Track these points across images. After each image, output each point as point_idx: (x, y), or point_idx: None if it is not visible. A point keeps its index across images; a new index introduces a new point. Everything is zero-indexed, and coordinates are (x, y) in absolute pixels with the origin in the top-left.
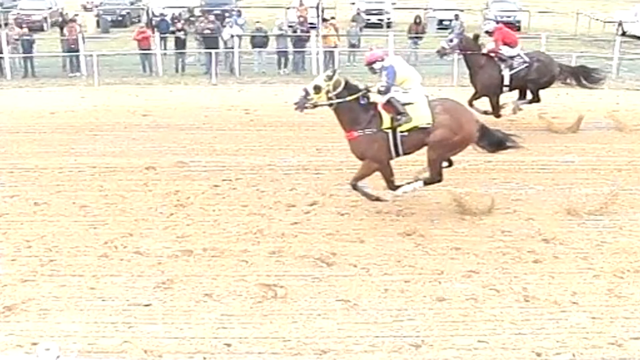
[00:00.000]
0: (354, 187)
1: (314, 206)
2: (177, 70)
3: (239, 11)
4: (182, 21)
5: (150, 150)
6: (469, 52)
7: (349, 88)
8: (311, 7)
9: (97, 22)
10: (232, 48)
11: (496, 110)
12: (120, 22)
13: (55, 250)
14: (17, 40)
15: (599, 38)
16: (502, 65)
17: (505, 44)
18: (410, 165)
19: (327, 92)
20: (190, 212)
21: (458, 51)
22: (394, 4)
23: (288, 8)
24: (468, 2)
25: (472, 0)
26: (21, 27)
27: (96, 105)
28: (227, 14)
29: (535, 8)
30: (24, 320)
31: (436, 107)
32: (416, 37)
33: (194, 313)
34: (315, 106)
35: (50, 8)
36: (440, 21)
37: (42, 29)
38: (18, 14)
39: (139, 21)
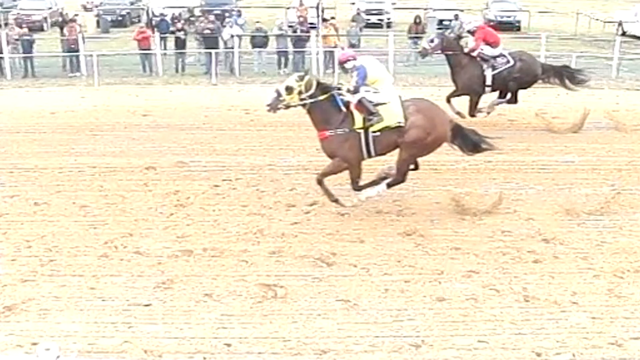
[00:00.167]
0: (319, 182)
1: (314, 206)
2: (177, 70)
3: (239, 11)
4: (182, 21)
5: (150, 150)
6: (450, 52)
7: (322, 88)
8: (311, 7)
9: (97, 22)
10: (232, 48)
11: (472, 109)
12: (120, 22)
13: (55, 250)
14: (17, 40)
15: (599, 38)
16: (485, 65)
17: (487, 43)
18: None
19: (300, 92)
20: (190, 212)
21: (439, 51)
22: (394, 4)
23: (288, 8)
24: (468, 2)
25: (472, 0)
26: (21, 27)
27: (96, 105)
28: (227, 14)
29: (535, 8)
30: (24, 320)
31: (409, 107)
32: (416, 37)
33: (194, 313)
34: (287, 107)
35: (50, 8)
36: (440, 21)
37: (42, 29)
38: (18, 14)
39: (139, 21)
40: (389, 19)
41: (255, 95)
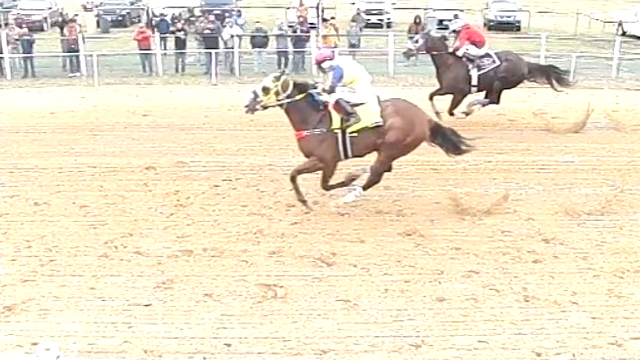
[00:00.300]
0: (292, 179)
1: (314, 206)
2: (177, 70)
3: (239, 11)
4: (182, 21)
5: (150, 150)
6: (435, 52)
7: (299, 88)
8: (311, 7)
9: (97, 22)
10: (232, 48)
11: (452, 108)
12: (120, 22)
13: (55, 250)
14: (17, 40)
15: (599, 38)
16: (470, 66)
17: (472, 43)
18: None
19: (277, 93)
20: (190, 212)
21: (424, 51)
22: (394, 4)
23: (288, 8)
24: (468, 2)
25: (472, 0)
26: (21, 27)
27: (96, 105)
28: (227, 14)
29: (535, 8)
30: (24, 320)
31: (387, 108)
32: None
33: (194, 313)
34: (265, 107)
35: (50, 8)
36: (440, 21)
37: (42, 29)
38: (18, 14)
39: (139, 21)
40: (389, 19)
41: None
